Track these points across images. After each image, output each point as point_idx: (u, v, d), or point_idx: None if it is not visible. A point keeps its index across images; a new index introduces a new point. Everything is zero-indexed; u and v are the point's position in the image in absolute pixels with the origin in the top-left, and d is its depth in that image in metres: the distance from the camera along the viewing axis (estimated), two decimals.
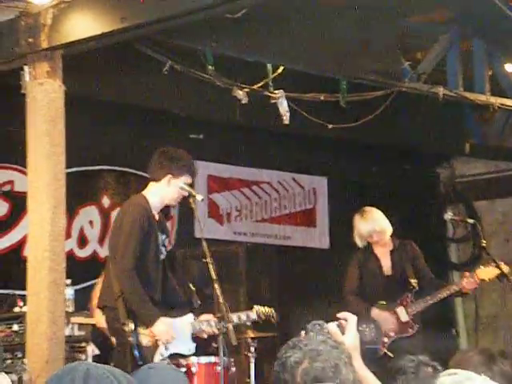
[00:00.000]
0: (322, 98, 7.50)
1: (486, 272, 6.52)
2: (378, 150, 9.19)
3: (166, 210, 8.31)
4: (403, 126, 8.70)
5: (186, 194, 5.41)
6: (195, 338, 5.40)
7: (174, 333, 5.22)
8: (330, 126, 7.68)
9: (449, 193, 10.36)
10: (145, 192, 5.43)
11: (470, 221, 7.58)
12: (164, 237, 5.44)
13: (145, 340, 5.18)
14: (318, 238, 9.49)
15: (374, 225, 6.65)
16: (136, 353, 5.10)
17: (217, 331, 5.29)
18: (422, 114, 8.61)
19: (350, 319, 2.81)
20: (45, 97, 5.57)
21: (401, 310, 6.57)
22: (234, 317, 5.37)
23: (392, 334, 6.57)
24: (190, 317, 5.36)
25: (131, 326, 5.12)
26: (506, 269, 6.56)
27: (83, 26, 5.43)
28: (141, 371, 2.66)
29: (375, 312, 6.55)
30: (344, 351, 2.43)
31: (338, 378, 2.36)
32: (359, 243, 6.78)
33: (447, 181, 10.47)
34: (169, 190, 5.37)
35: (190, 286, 5.76)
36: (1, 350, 2.73)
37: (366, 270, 6.72)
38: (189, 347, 5.36)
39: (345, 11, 6.82)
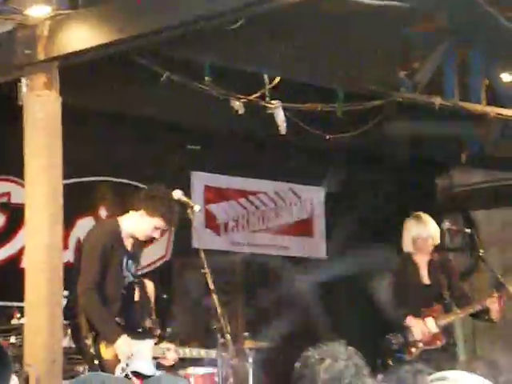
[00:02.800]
0: (318, 108, 7.51)
1: None
2: (376, 160, 9.20)
3: None
4: (401, 136, 8.71)
5: (156, 235, 5.52)
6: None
7: (133, 351, 5.34)
8: (328, 137, 7.68)
9: (446, 202, 10.36)
10: (121, 217, 5.59)
11: (468, 230, 7.57)
12: (131, 262, 5.55)
13: (105, 354, 5.28)
14: (315, 247, 9.48)
15: (430, 230, 6.60)
16: (97, 365, 5.21)
17: (177, 358, 5.54)
18: (419, 123, 8.62)
19: None
20: (42, 108, 5.57)
21: (430, 321, 6.52)
22: (194, 351, 5.58)
23: (420, 344, 6.50)
24: (150, 341, 5.51)
25: (91, 339, 5.28)
26: None
27: (80, 37, 5.44)
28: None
29: (410, 319, 6.49)
30: (363, 363, 2.49)
31: (361, 380, 2.40)
32: (407, 248, 6.70)
33: (445, 190, 10.47)
34: (141, 223, 5.49)
35: (154, 317, 5.95)
36: (11, 358, 2.69)
37: (405, 276, 6.66)
38: (150, 368, 5.46)
39: (341, 22, 6.83)
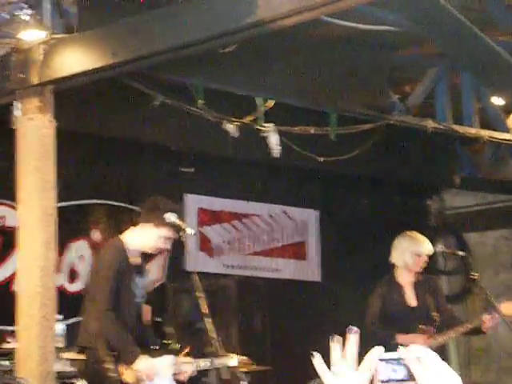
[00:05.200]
0: (312, 131, 7.53)
1: (509, 307, 6.45)
2: (369, 182, 9.22)
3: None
4: (393, 159, 8.74)
5: (165, 246, 5.52)
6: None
7: (155, 371, 5.27)
8: (321, 159, 7.70)
9: (439, 225, 10.38)
10: (123, 235, 5.56)
11: (461, 253, 7.56)
12: (139, 279, 5.54)
13: (126, 376, 5.23)
14: (309, 270, 9.47)
15: (428, 248, 6.57)
16: None
17: (196, 371, 5.40)
18: (411, 146, 8.66)
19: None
20: (35, 132, 5.58)
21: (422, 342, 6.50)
22: (207, 362, 5.42)
23: None
24: (171, 358, 5.40)
25: (112, 363, 5.18)
26: None
27: (74, 61, 5.46)
28: None
29: (400, 337, 6.47)
30: None
31: None
32: (407, 261, 6.57)
33: (437, 213, 10.49)
34: (146, 237, 5.47)
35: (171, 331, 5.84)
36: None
37: (390, 299, 6.59)
38: None
39: (334, 45, 6.88)
